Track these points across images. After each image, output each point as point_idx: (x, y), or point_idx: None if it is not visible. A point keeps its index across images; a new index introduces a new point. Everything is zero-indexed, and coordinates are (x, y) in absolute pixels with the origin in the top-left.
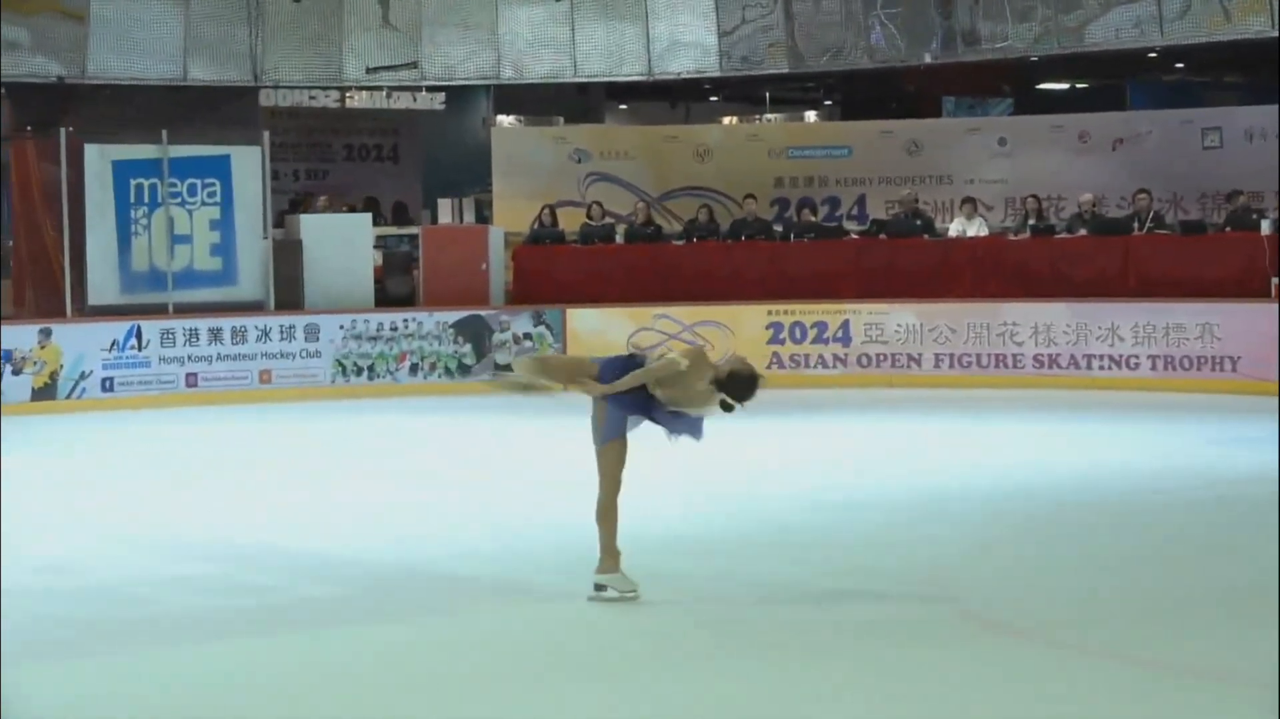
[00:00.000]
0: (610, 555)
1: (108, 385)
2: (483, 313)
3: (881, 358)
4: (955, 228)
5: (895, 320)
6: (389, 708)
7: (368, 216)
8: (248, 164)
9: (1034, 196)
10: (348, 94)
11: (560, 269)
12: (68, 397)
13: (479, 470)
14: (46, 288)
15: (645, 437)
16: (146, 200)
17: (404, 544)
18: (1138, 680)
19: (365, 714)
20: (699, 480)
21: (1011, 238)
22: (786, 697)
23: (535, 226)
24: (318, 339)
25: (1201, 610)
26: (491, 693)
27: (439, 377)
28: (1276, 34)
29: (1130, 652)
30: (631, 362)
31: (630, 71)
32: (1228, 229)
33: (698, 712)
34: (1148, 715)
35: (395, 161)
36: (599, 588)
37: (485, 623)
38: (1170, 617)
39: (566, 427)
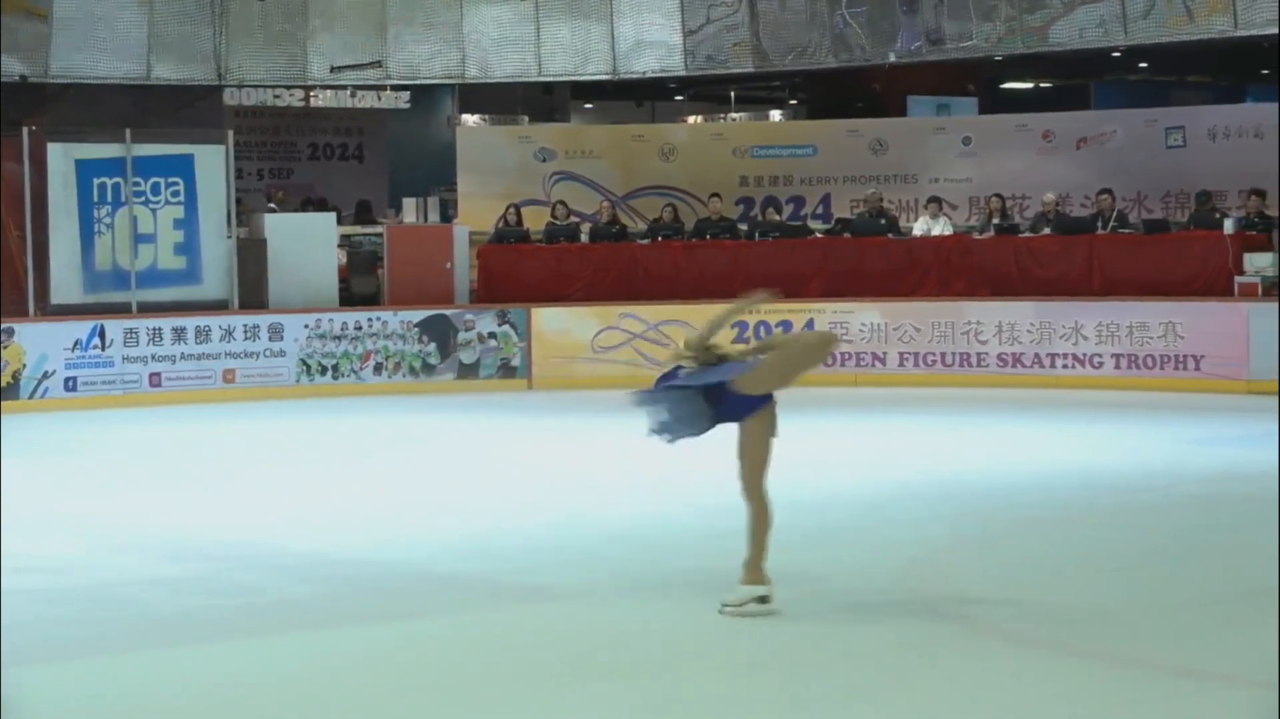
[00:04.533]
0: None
1: (71, 385)
2: (447, 312)
3: (846, 357)
4: (920, 227)
5: (860, 319)
6: (383, 708)
7: (332, 216)
8: (212, 163)
9: (998, 196)
10: (312, 93)
11: (525, 268)
12: (30, 396)
13: (453, 469)
14: (9, 287)
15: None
16: (110, 199)
17: (385, 543)
18: (1122, 681)
19: (360, 714)
20: (667, 481)
21: (976, 237)
22: (776, 700)
23: (500, 225)
24: (282, 338)
25: (1183, 610)
26: (484, 694)
27: (403, 376)
28: (1241, 34)
29: (1113, 652)
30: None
31: (595, 70)
32: (1191, 228)
33: (700, 713)
34: (1142, 717)
35: (360, 160)
36: (761, 599)
37: (471, 623)
38: (1152, 617)
39: (535, 424)
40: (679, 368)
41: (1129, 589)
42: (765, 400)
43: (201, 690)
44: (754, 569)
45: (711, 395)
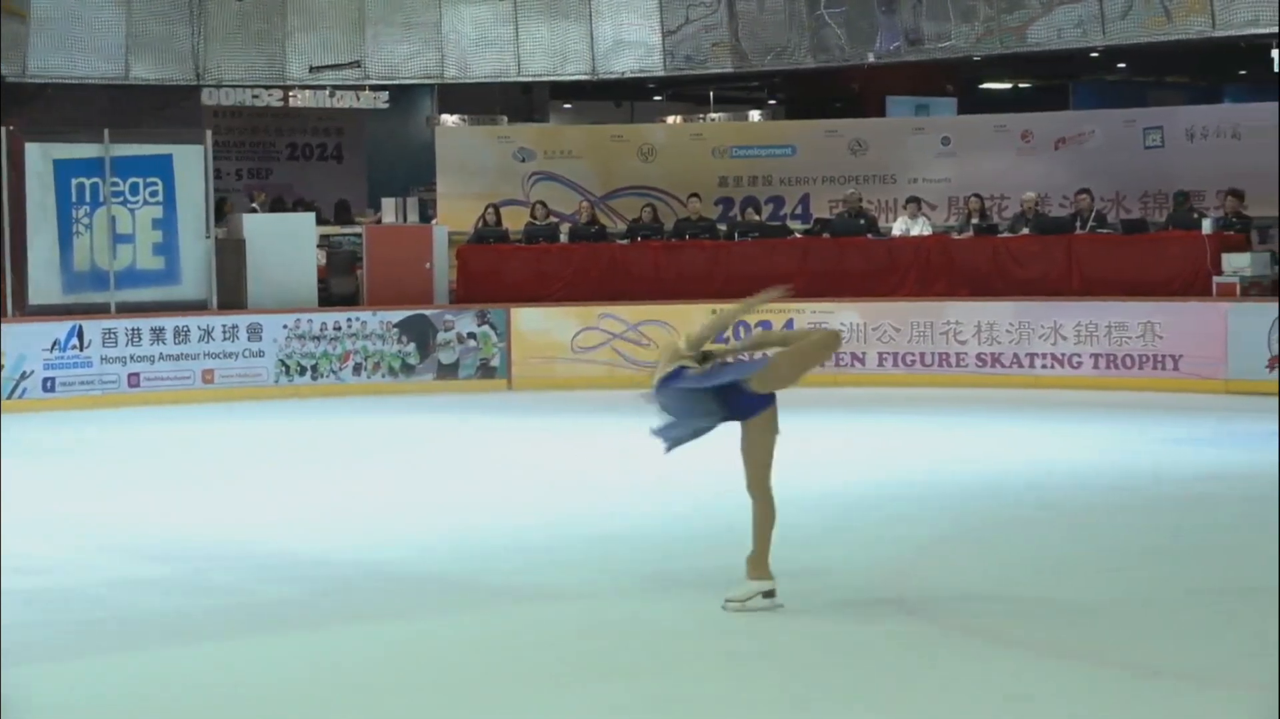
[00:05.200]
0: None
1: (49, 385)
2: (427, 312)
3: None
4: (899, 227)
5: (839, 319)
6: (383, 708)
7: (311, 216)
8: (190, 163)
9: (977, 196)
10: (291, 93)
11: (504, 268)
12: (9, 397)
13: (452, 469)
14: None
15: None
16: (88, 199)
17: (385, 543)
18: (1123, 680)
19: (359, 714)
20: (667, 481)
21: (955, 237)
22: (776, 700)
23: (479, 226)
24: (261, 339)
25: (1184, 610)
26: (484, 694)
27: (382, 376)
28: (1219, 34)
29: (1114, 652)
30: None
31: (574, 71)
32: (1170, 228)
33: (700, 713)
34: (1142, 717)
35: (339, 160)
36: (767, 594)
37: (471, 623)
38: (1152, 616)
39: (529, 424)
40: (683, 368)
41: (1129, 588)
42: (771, 399)
43: (201, 690)
44: (760, 564)
45: (721, 395)
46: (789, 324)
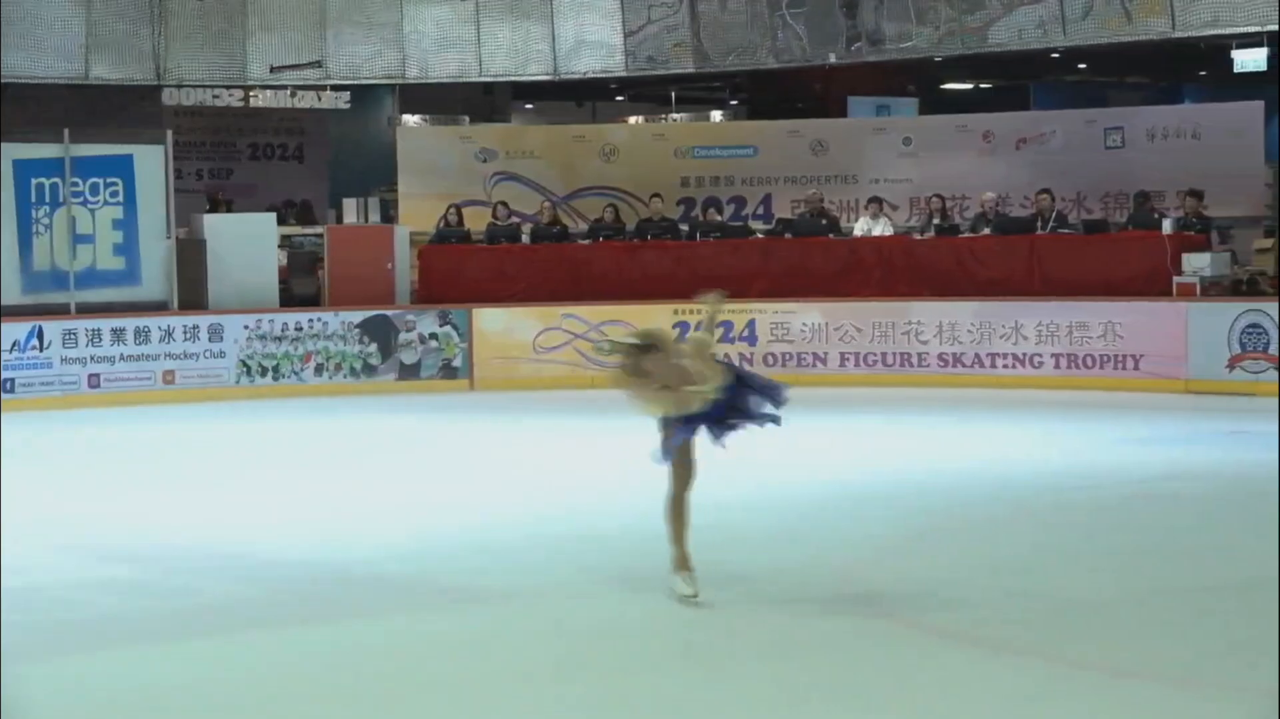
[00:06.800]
0: (677, 555)
1: (9, 386)
2: (388, 312)
3: (787, 357)
4: (860, 227)
5: (801, 319)
6: (381, 706)
7: (272, 216)
8: (151, 163)
9: (938, 196)
10: (252, 93)
11: (466, 269)
12: None
13: (451, 469)
14: None
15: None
16: (48, 200)
17: (384, 543)
18: (1121, 680)
19: (359, 713)
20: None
21: (916, 237)
22: (775, 700)
23: (441, 226)
24: (222, 339)
25: (1167, 610)
26: (483, 693)
27: (344, 377)
28: (1178, 35)
29: (1110, 652)
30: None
31: (536, 71)
32: (1130, 228)
33: (697, 711)
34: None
35: (300, 161)
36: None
37: (470, 622)
38: (1145, 616)
39: (521, 424)
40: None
41: (1119, 587)
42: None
43: (197, 690)
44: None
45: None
46: (751, 324)
